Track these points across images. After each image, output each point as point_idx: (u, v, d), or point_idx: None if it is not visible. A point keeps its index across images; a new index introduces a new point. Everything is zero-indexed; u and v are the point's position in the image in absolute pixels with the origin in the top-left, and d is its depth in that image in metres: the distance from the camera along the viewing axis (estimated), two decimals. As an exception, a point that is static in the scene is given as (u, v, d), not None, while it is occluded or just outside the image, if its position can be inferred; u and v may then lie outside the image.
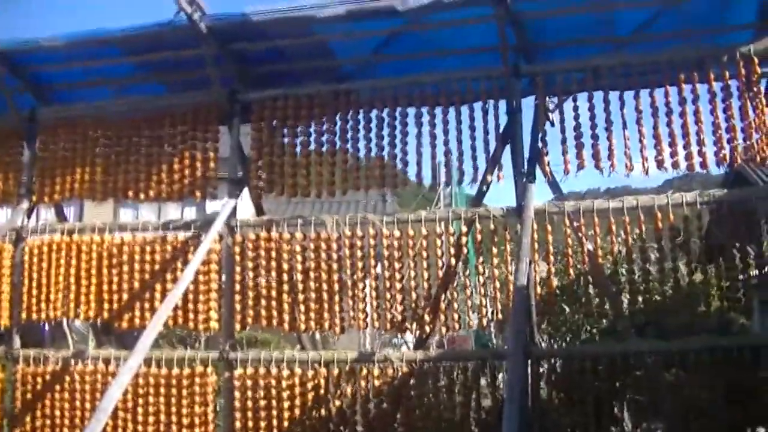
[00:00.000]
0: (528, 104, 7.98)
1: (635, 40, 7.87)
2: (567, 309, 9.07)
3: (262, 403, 7.82)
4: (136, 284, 8.36)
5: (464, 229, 7.78)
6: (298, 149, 8.19)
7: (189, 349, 10.84)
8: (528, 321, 7.35)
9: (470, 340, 17.46)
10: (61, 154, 8.92)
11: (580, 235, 7.42)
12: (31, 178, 9.02)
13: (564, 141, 7.57)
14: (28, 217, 8.99)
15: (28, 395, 8.53)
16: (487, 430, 7.51)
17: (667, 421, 7.24)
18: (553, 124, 7.78)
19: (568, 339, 9.58)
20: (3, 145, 9.23)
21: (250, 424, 7.82)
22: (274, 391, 7.80)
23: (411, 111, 7.99)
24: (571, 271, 7.75)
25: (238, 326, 8.08)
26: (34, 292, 8.66)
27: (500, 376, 7.64)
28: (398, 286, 7.71)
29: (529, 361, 7.25)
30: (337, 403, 7.73)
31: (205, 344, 13.54)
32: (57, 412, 8.42)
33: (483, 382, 7.58)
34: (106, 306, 8.43)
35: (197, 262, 7.53)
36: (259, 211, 8.69)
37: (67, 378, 8.44)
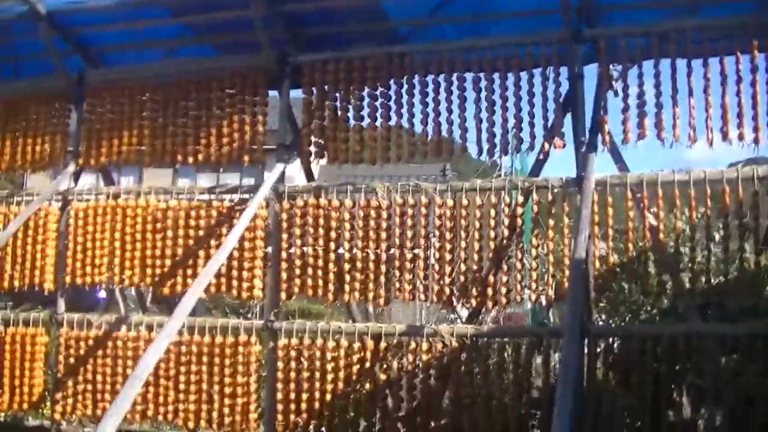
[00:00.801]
0: (589, 71, 7.61)
1: (705, 3, 7.44)
2: (626, 287, 8.66)
3: (306, 374, 7.62)
4: (180, 250, 8.20)
5: (521, 199, 7.44)
6: (350, 114, 7.90)
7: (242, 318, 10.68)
8: (586, 298, 7.01)
9: (527, 318, 17.09)
10: (108, 117, 8.78)
11: (642, 207, 7.04)
12: (78, 142, 8.90)
13: (626, 109, 7.19)
14: (75, 180, 8.88)
15: (71, 359, 8.45)
16: (539, 410, 7.22)
17: (728, 407, 6.84)
18: (616, 94, 7.38)
19: (626, 318, 9.17)
20: (51, 107, 9.12)
21: (292, 395, 7.62)
22: (318, 363, 7.57)
23: (468, 76, 7.67)
24: (631, 246, 7.36)
25: (283, 295, 7.87)
26: (79, 256, 8.56)
27: (555, 355, 7.32)
28: (448, 257, 7.42)
29: (586, 341, 6.93)
30: (383, 377, 7.48)
31: (259, 315, 13.39)
32: (99, 377, 8.33)
33: (538, 360, 7.27)
34: (149, 272, 8.28)
35: (241, 227, 7.30)
36: (309, 177, 8.45)
37: (110, 343, 8.34)
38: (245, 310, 14.20)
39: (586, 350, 6.99)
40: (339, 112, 7.93)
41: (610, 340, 7.34)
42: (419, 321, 16.14)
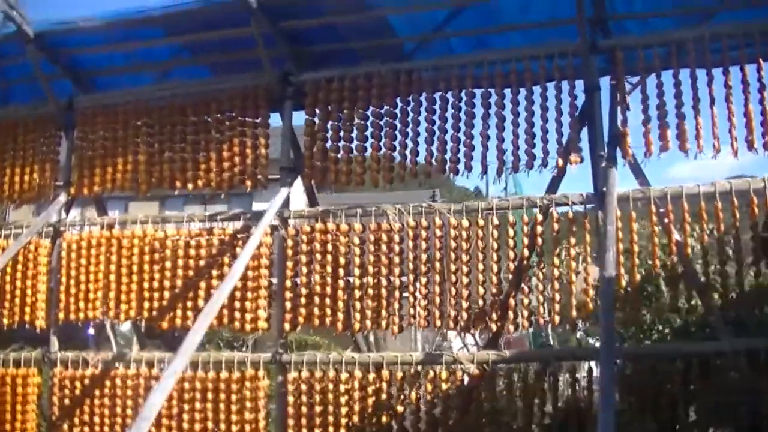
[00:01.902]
0: (604, 84, 7.34)
1: (720, 9, 7.20)
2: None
3: (318, 409, 7.20)
4: (180, 282, 7.78)
5: (540, 217, 7.11)
6: (354, 135, 7.56)
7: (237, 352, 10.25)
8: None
9: (526, 341, 16.71)
10: (101, 143, 8.38)
11: (666, 222, 6.75)
12: (68, 170, 8.49)
13: (647, 121, 6.90)
14: (66, 211, 8.46)
15: (66, 400, 7.98)
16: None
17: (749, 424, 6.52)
18: (628, 108, 7.11)
19: (636, 338, 8.90)
20: (40, 135, 8.71)
21: (305, 431, 7.21)
22: (331, 396, 7.17)
23: (478, 92, 7.36)
24: (658, 263, 7.06)
25: (287, 326, 7.47)
26: (72, 290, 8.12)
27: (561, 378, 7.00)
28: (465, 281, 7.07)
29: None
30: (400, 408, 7.08)
31: (252, 347, 12.93)
32: (96, 419, 7.86)
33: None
34: (147, 305, 7.86)
35: (247, 255, 6.91)
36: (312, 201, 8.08)
37: (108, 382, 7.88)
38: (239, 343, 13.71)
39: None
40: (343, 133, 7.58)
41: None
42: (415, 349, 15.69)
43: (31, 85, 8.75)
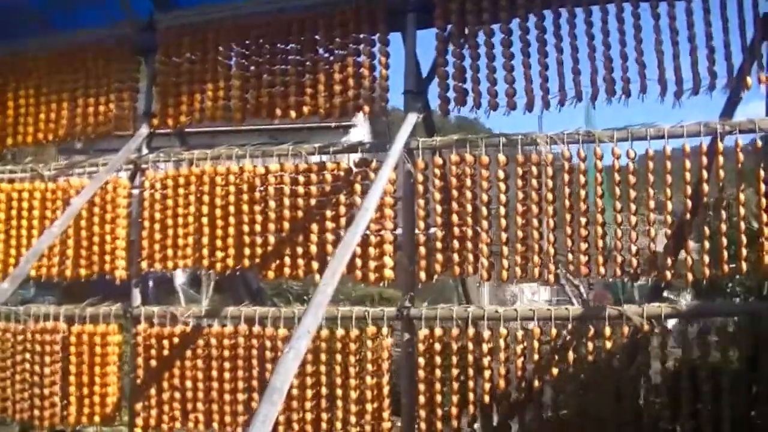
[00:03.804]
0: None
1: None
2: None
3: (455, 372, 6.13)
4: (286, 224, 6.69)
5: (721, 146, 5.93)
6: (497, 49, 6.39)
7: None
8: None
9: (608, 294, 15.54)
10: (187, 67, 7.24)
11: None
12: (150, 99, 7.39)
13: None
14: (148, 146, 7.37)
15: (152, 361, 6.95)
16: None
17: None
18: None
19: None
20: (115, 61, 7.58)
21: (438, 397, 6.13)
22: (470, 357, 6.10)
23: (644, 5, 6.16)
24: None
25: (423, 275, 6.37)
26: (157, 236, 7.05)
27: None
28: (633, 220, 5.95)
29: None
30: (555, 371, 6.00)
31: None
32: (188, 383, 6.82)
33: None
34: (248, 252, 6.77)
35: (378, 191, 5.73)
36: (431, 131, 6.94)
37: (201, 341, 6.84)
38: (310, 297, 12.63)
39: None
40: (485, 48, 6.41)
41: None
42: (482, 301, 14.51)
43: (100, 5, 7.62)
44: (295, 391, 6.41)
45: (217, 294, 11.61)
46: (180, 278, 14.85)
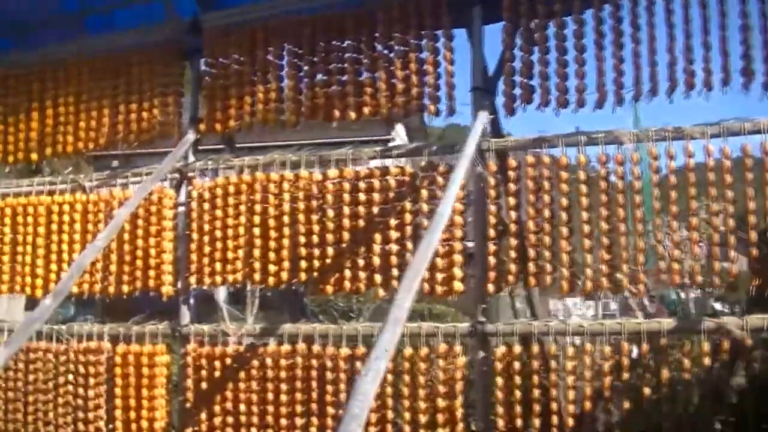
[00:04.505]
0: None
1: None
2: None
3: (536, 392, 5.60)
4: (346, 234, 6.22)
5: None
6: (570, 43, 5.89)
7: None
8: None
9: (663, 308, 14.94)
10: (235, 69, 6.83)
11: None
12: (196, 104, 6.98)
13: None
14: (195, 153, 6.95)
15: (203, 383, 6.50)
16: None
17: None
18: None
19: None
20: (158, 64, 7.18)
21: (518, 421, 5.61)
22: (552, 376, 5.57)
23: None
24: None
25: (491, 288, 5.86)
26: (206, 249, 6.62)
27: None
28: (694, 221, 5.42)
29: None
30: (646, 390, 5.46)
31: (370, 317, 11.37)
32: (242, 407, 6.35)
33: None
34: (304, 265, 6.30)
35: (451, 197, 5.24)
36: (497, 131, 6.44)
37: (256, 361, 6.37)
38: (356, 313, 12.20)
39: None
40: (555, 41, 5.91)
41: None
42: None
43: (142, 7, 7.25)
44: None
45: (261, 311, 11.13)
46: (221, 294, 14.46)
